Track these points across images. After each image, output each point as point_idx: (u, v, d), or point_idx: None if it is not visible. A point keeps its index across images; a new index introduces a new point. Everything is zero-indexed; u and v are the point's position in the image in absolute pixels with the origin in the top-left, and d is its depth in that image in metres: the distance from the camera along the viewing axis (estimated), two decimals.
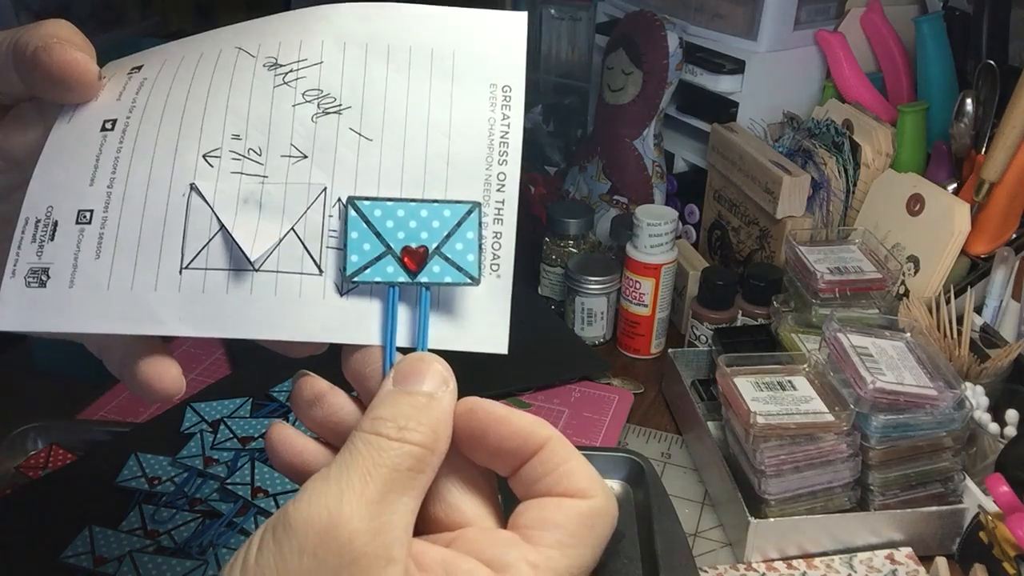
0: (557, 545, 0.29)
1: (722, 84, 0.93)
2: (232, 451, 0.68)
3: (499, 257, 0.33)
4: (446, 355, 0.32)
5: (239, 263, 0.32)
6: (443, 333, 0.32)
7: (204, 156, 0.33)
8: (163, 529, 0.61)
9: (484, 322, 0.33)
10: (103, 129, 0.34)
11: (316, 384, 0.33)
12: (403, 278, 0.32)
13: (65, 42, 0.32)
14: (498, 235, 0.33)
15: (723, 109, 0.95)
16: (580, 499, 0.30)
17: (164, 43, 0.37)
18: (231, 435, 0.70)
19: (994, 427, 0.68)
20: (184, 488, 0.65)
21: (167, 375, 0.32)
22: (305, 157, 0.33)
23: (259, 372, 0.77)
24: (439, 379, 0.30)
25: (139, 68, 0.35)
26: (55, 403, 0.77)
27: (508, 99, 0.34)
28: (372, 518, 0.27)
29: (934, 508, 0.63)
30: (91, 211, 0.32)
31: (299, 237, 0.32)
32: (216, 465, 0.67)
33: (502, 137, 0.34)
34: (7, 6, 1.10)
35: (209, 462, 0.67)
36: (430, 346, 0.32)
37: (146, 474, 0.66)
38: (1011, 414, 0.69)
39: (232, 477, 0.65)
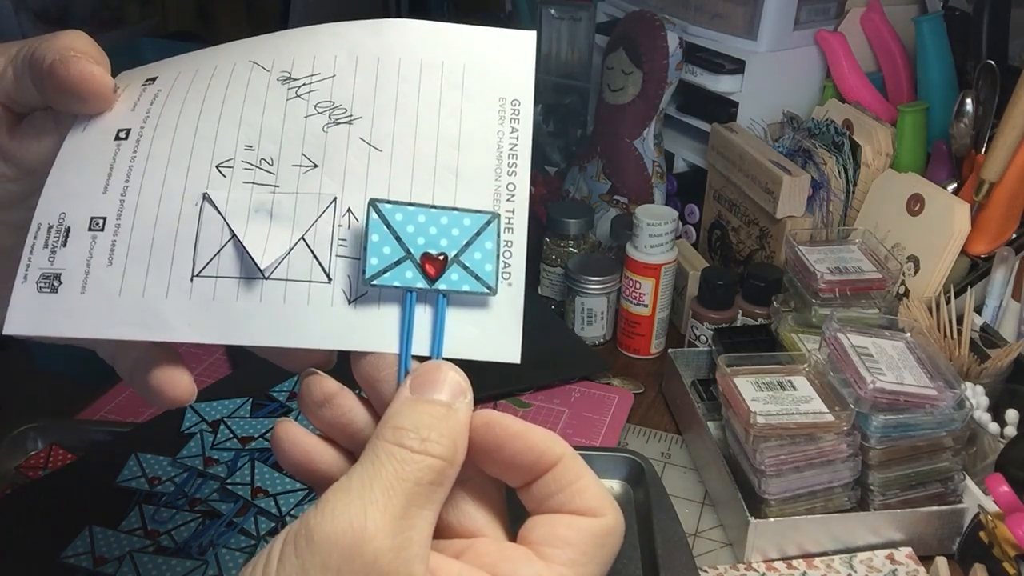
0: (569, 563, 0.29)
1: (722, 84, 0.93)
2: (232, 451, 0.68)
3: (510, 266, 0.33)
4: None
5: (250, 271, 0.32)
6: (455, 342, 0.32)
7: (217, 166, 0.33)
8: (163, 529, 0.61)
9: (496, 331, 0.33)
10: (117, 138, 0.34)
11: (326, 384, 0.33)
12: (422, 284, 0.32)
13: (81, 55, 0.32)
14: (509, 244, 0.33)
15: (723, 109, 0.95)
16: (592, 518, 0.30)
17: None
18: (231, 435, 0.70)
19: (994, 427, 0.68)
20: (184, 488, 0.65)
21: (180, 383, 0.33)
22: (316, 166, 0.33)
23: (259, 372, 0.77)
24: (457, 389, 0.30)
25: (153, 80, 0.36)
26: (55, 403, 0.77)
27: (517, 113, 0.35)
28: (395, 534, 0.27)
29: (934, 508, 0.63)
30: (104, 218, 0.33)
31: (309, 246, 0.32)
32: (216, 465, 0.67)
33: (511, 149, 0.34)
34: (7, 6, 1.10)
35: (209, 462, 0.67)
36: (443, 355, 0.32)
37: (146, 474, 0.66)
38: (1011, 414, 0.69)
39: (232, 477, 0.65)
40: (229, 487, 0.64)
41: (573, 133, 1.09)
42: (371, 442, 0.29)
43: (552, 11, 1.05)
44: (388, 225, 0.32)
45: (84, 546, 0.59)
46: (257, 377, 0.77)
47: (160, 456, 0.67)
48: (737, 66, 0.92)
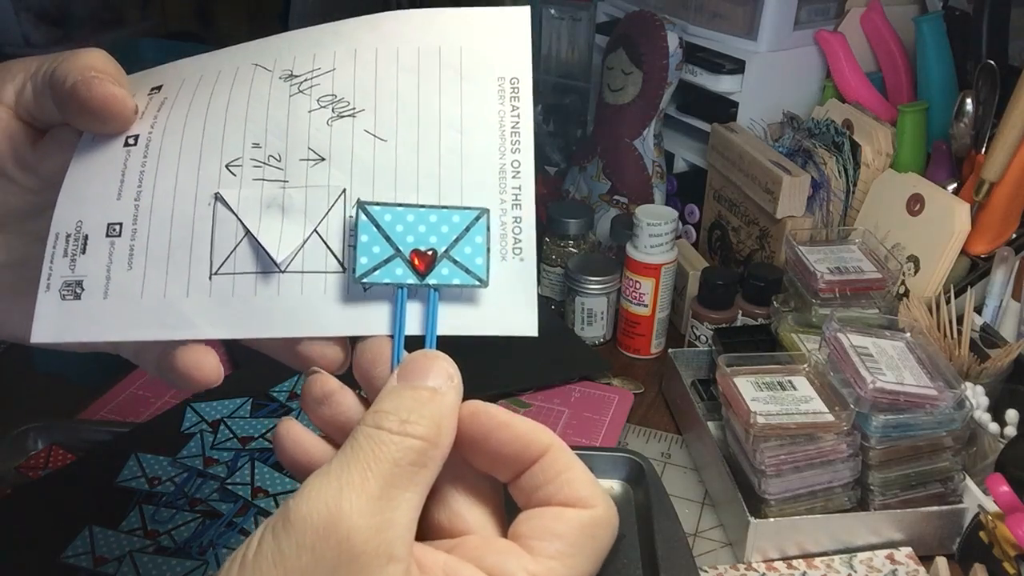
0: (558, 555, 0.29)
1: (722, 84, 0.93)
2: (232, 451, 0.68)
3: (521, 241, 0.34)
4: (451, 352, 0.32)
5: (266, 266, 0.33)
6: (471, 319, 0.33)
7: (227, 166, 0.34)
8: (163, 529, 0.61)
9: (512, 306, 0.34)
10: (126, 145, 0.35)
11: (327, 382, 0.33)
12: (412, 280, 0.32)
13: (103, 76, 0.33)
14: (518, 219, 0.34)
15: (723, 109, 0.95)
16: (581, 508, 0.30)
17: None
18: (231, 435, 0.70)
19: (994, 427, 0.68)
20: (184, 488, 0.65)
21: (206, 364, 0.33)
22: (323, 159, 0.34)
23: (259, 372, 0.77)
24: (444, 375, 0.30)
25: (159, 88, 0.36)
26: (55, 403, 0.77)
27: (516, 90, 0.35)
28: (373, 514, 0.26)
29: (934, 508, 0.63)
30: (120, 224, 0.33)
31: (322, 238, 0.33)
32: (216, 465, 0.67)
33: (513, 127, 0.35)
34: (7, 6, 1.10)
35: (209, 462, 0.67)
36: (459, 333, 0.33)
37: (146, 474, 0.66)
38: (1011, 414, 0.69)
39: (232, 477, 0.65)
40: (229, 487, 0.64)
41: (573, 133, 1.09)
42: (354, 429, 0.29)
43: (552, 11, 1.05)
44: (377, 225, 0.33)
45: (84, 546, 0.59)
46: (257, 377, 0.77)
47: (160, 456, 0.67)
48: (737, 66, 0.92)
